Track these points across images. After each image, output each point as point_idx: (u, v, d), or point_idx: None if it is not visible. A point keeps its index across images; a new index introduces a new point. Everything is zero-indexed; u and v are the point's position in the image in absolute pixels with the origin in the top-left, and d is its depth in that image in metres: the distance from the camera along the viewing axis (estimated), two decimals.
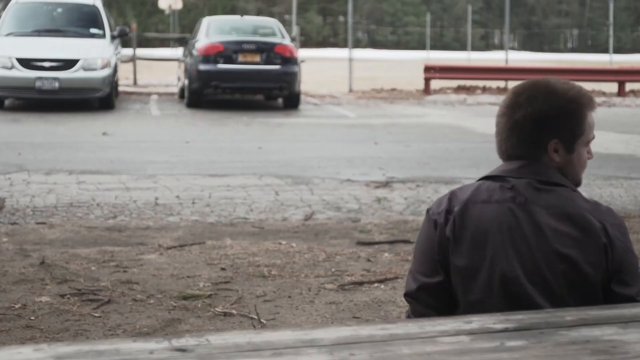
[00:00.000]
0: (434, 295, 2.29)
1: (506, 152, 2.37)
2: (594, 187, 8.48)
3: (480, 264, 2.24)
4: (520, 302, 2.21)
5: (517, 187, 2.29)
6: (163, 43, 36.24)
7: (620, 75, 22.22)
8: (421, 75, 21.27)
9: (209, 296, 4.75)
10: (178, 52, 24.55)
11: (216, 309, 4.54)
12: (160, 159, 9.96)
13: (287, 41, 16.95)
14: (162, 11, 40.67)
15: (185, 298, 4.71)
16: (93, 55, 15.52)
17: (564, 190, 2.29)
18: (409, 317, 2.34)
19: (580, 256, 2.20)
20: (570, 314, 1.97)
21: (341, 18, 59.98)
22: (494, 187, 2.32)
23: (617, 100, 20.61)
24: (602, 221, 2.24)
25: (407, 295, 2.33)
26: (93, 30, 16.65)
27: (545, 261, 2.21)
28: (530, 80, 2.37)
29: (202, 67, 15.99)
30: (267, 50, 16.24)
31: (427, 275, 2.29)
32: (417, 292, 2.30)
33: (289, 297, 4.79)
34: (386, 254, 5.79)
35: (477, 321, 1.89)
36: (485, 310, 2.05)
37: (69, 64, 15.27)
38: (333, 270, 5.35)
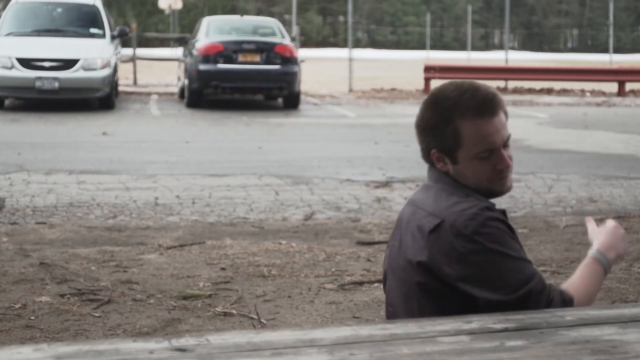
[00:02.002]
0: None
1: None
2: (594, 187, 8.48)
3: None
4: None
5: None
6: (163, 43, 36.25)
7: (620, 75, 22.21)
8: (421, 75, 21.27)
9: (209, 296, 4.74)
10: (178, 52, 24.55)
11: (216, 309, 4.54)
12: (160, 159, 9.96)
13: (287, 41, 16.95)
14: (162, 11, 40.67)
15: (185, 298, 4.71)
16: (93, 55, 15.52)
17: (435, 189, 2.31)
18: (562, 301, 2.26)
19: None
20: (570, 314, 1.97)
21: (341, 18, 59.97)
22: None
23: (617, 100, 20.61)
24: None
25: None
26: (93, 30, 16.65)
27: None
28: (444, 83, 2.34)
29: (202, 67, 15.99)
30: (267, 50, 16.23)
31: None
32: None
33: (289, 297, 4.79)
34: None
35: (477, 321, 1.89)
36: None
37: (68, 63, 15.27)
38: (333, 270, 5.35)
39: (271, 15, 38.67)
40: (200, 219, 6.96)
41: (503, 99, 2.30)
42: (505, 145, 2.25)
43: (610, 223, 2.37)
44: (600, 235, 2.34)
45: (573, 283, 2.24)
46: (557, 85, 22.86)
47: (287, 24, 27.08)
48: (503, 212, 2.25)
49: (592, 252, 2.31)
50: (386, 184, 8.57)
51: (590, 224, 2.42)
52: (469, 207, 2.18)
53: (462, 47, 45.28)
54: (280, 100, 17.36)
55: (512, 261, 2.16)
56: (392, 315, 2.33)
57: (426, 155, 2.31)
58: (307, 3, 57.41)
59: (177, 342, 1.66)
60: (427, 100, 2.30)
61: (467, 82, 2.28)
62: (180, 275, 5.16)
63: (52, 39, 15.88)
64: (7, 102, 15.99)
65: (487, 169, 2.23)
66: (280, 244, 6.01)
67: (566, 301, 2.17)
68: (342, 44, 47.44)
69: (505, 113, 2.28)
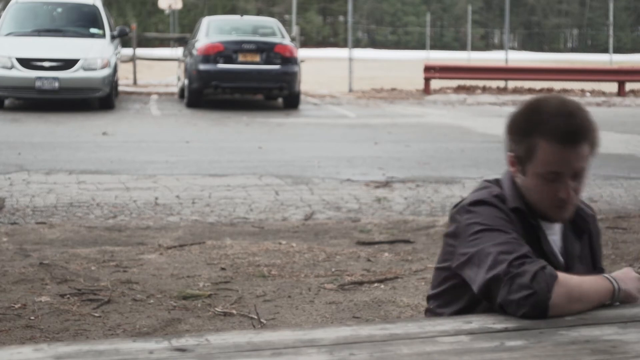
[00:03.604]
0: None
1: None
2: (594, 187, 8.48)
3: None
4: None
5: None
6: (163, 43, 36.25)
7: (620, 75, 22.21)
8: (421, 75, 21.27)
9: (209, 296, 4.74)
10: (178, 52, 24.56)
11: (216, 309, 4.54)
12: (160, 159, 9.95)
13: (287, 41, 16.95)
14: (162, 11, 40.66)
15: (185, 298, 4.71)
16: (93, 55, 15.52)
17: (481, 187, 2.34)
18: None
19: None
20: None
21: (341, 18, 59.96)
22: None
23: (617, 100, 20.61)
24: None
25: None
26: (93, 30, 16.65)
27: None
28: (552, 94, 2.35)
29: (202, 67, 15.99)
30: (267, 50, 16.23)
31: None
32: None
33: (289, 297, 4.79)
34: (386, 254, 5.79)
35: (477, 321, 1.89)
36: None
37: (68, 63, 15.27)
38: (333, 270, 5.35)
39: (271, 15, 38.67)
40: (200, 219, 6.96)
41: (596, 130, 2.25)
42: (576, 176, 2.22)
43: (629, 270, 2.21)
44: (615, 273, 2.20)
45: (569, 274, 2.09)
46: (557, 85, 22.85)
47: (287, 24, 27.08)
48: (517, 209, 2.26)
49: (607, 274, 2.15)
50: (386, 184, 8.57)
51: None
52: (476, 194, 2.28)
53: (462, 47, 45.27)
54: (280, 100, 17.36)
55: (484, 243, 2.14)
56: None
57: (508, 156, 2.33)
58: (307, 3, 57.40)
59: (177, 342, 1.66)
60: (528, 103, 2.28)
61: (570, 105, 2.24)
62: (180, 275, 5.16)
63: (52, 39, 15.88)
64: (7, 102, 15.99)
65: (549, 192, 2.23)
66: (280, 244, 6.01)
67: (545, 272, 2.00)
68: (342, 44, 47.44)
69: (592, 145, 2.24)
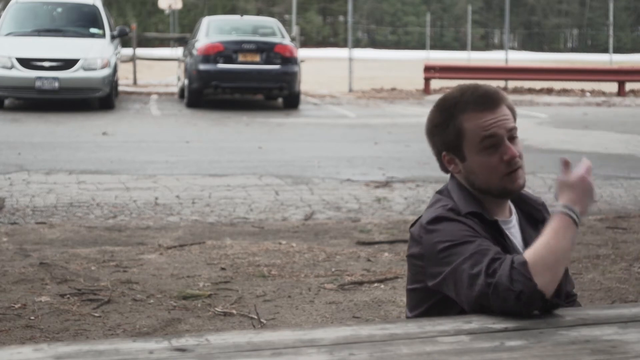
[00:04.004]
0: None
1: None
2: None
3: None
4: None
5: None
6: (163, 43, 36.26)
7: (620, 75, 22.21)
8: (421, 75, 21.28)
9: (209, 296, 4.74)
10: (178, 52, 24.56)
11: (216, 309, 4.54)
12: (160, 159, 9.96)
13: (287, 41, 16.95)
14: (162, 11, 40.66)
15: (185, 298, 4.71)
16: (93, 55, 15.52)
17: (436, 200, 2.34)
18: None
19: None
20: (569, 314, 1.97)
21: (341, 18, 59.96)
22: None
23: (617, 100, 20.61)
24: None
25: None
26: (93, 30, 16.65)
27: None
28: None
29: (202, 67, 15.99)
30: (267, 50, 16.23)
31: None
32: None
33: (289, 297, 4.79)
34: (386, 254, 5.79)
35: (477, 321, 1.89)
36: None
37: (68, 63, 15.27)
38: (333, 270, 5.35)
39: (271, 15, 38.67)
40: (200, 219, 6.96)
41: (508, 97, 2.31)
42: (512, 137, 2.26)
43: (580, 172, 2.19)
44: (567, 192, 2.15)
45: (533, 246, 2.04)
46: (557, 85, 22.86)
47: (287, 24, 27.08)
48: (472, 213, 2.23)
49: (557, 208, 2.11)
50: (386, 184, 8.57)
51: (564, 169, 2.21)
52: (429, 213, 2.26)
53: (462, 47, 45.27)
54: (280, 100, 17.36)
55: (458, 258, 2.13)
56: None
57: (440, 161, 2.35)
58: (307, 3, 57.40)
59: (177, 342, 1.66)
60: (433, 105, 2.37)
61: (470, 84, 2.33)
62: (180, 275, 5.16)
63: (52, 38, 15.89)
64: (7, 102, 15.99)
65: (495, 162, 2.24)
66: (280, 244, 6.01)
67: (516, 267, 1.98)
68: (342, 44, 47.43)
69: (511, 109, 2.29)
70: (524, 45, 63.33)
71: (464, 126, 2.25)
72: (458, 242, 2.12)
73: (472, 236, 2.13)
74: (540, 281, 1.95)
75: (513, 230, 2.33)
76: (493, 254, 2.06)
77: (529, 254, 2.01)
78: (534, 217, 2.39)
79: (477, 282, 2.01)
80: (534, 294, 1.94)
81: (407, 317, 2.37)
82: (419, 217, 2.29)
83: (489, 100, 2.25)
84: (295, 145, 11.66)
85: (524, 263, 1.98)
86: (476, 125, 2.24)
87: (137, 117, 15.08)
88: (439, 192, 2.36)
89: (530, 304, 1.94)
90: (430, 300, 2.25)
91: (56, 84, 15.02)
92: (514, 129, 2.27)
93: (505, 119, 2.25)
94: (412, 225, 2.29)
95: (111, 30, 17.02)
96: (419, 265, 2.23)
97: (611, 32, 29.61)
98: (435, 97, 21.60)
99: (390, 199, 7.88)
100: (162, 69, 27.19)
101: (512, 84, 22.74)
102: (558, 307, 1.98)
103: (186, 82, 16.66)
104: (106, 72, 15.49)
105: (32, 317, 4.36)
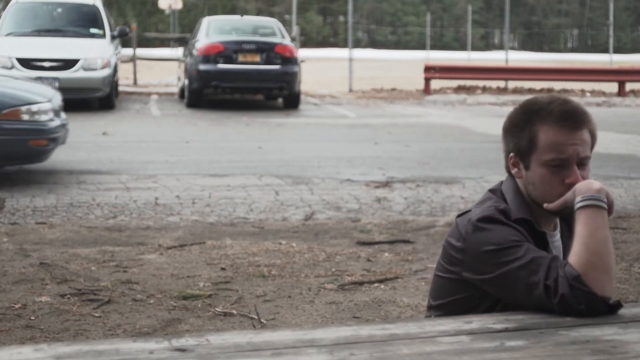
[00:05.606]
0: None
1: None
2: None
3: None
4: None
5: None
6: (163, 43, 36.23)
7: (620, 75, 22.20)
8: (421, 75, 21.26)
9: (209, 296, 4.74)
10: (178, 52, 24.55)
11: (216, 309, 4.54)
12: (160, 159, 9.96)
13: (287, 41, 16.95)
14: (162, 11, 40.66)
15: (185, 298, 4.71)
16: (93, 55, 15.52)
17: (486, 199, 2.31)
18: None
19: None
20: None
21: (341, 18, 59.94)
22: None
23: (617, 100, 20.60)
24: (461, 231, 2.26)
25: None
26: (93, 30, 16.65)
27: None
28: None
29: (202, 67, 15.99)
30: (267, 50, 16.23)
31: None
32: None
33: (289, 297, 4.79)
34: (386, 254, 5.79)
35: (477, 321, 1.89)
36: None
37: (68, 63, 15.27)
38: (333, 270, 5.34)
39: (271, 15, 38.67)
40: (200, 219, 6.96)
41: (595, 122, 2.26)
42: (581, 164, 2.22)
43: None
44: (576, 189, 2.17)
45: (576, 252, 2.05)
46: (557, 85, 22.85)
47: (287, 24, 27.08)
48: (522, 219, 2.22)
49: (577, 204, 2.12)
50: (386, 184, 8.57)
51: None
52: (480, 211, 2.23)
53: (462, 47, 45.27)
54: (280, 100, 17.36)
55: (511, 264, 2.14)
56: None
57: (506, 160, 2.32)
58: (307, 3, 57.39)
59: (177, 342, 1.66)
60: (523, 101, 2.32)
61: (563, 97, 2.28)
62: (180, 275, 5.16)
63: (52, 39, 15.88)
64: None
65: (556, 182, 2.21)
66: (280, 244, 6.01)
67: (573, 284, 1.98)
68: (342, 44, 47.43)
69: (592, 135, 2.25)
70: (524, 46, 63.31)
71: (539, 136, 2.21)
72: (505, 247, 2.12)
73: (519, 241, 2.13)
74: (599, 288, 1.98)
75: (557, 244, 2.33)
76: (548, 262, 2.06)
77: (576, 264, 2.02)
78: (571, 225, 2.33)
79: (534, 292, 2.03)
80: (598, 303, 1.97)
81: (429, 304, 2.38)
82: (468, 210, 2.27)
83: (572, 119, 2.21)
84: (295, 145, 11.66)
85: (578, 277, 1.99)
86: (550, 140, 2.20)
87: (137, 117, 15.08)
88: (492, 190, 2.34)
89: (598, 311, 1.97)
90: (457, 294, 2.25)
91: (56, 84, 15.01)
92: (586, 158, 2.23)
93: (582, 144, 2.21)
94: (460, 215, 2.27)
95: (111, 30, 17.01)
96: (456, 257, 2.23)
97: (611, 32, 29.59)
98: (436, 98, 21.52)
99: (390, 199, 7.87)
100: (162, 69, 27.19)
101: (512, 84, 22.74)
102: (621, 307, 2.00)
103: (186, 82, 16.66)
104: (106, 72, 15.49)
105: (32, 317, 4.36)
